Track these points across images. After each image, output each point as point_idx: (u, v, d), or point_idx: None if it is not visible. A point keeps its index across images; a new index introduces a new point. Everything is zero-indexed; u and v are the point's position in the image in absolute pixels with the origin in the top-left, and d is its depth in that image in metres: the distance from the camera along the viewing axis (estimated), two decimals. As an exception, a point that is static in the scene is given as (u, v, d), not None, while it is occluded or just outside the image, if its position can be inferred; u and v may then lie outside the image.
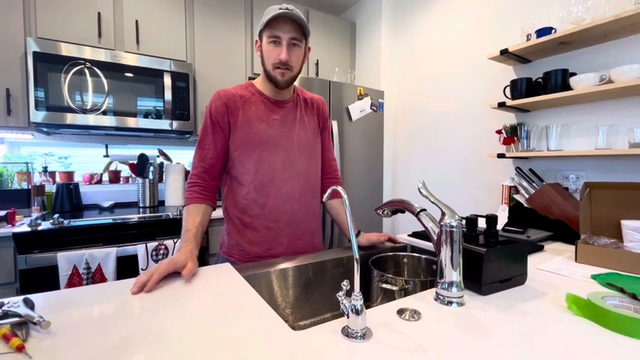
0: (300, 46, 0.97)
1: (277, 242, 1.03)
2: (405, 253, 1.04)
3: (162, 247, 1.67)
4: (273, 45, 0.94)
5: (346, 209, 0.58)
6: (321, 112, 1.15)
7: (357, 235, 1.10)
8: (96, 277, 1.51)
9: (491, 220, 0.80)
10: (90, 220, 1.68)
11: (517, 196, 1.59)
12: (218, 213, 1.03)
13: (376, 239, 1.10)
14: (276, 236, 1.02)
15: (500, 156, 1.69)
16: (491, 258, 0.69)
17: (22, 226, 1.53)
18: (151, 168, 2.18)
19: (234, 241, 1.03)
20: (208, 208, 0.99)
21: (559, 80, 1.46)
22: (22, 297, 0.60)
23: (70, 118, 1.76)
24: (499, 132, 1.77)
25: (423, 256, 1.01)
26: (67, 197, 1.95)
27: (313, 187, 1.10)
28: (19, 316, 0.52)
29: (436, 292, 0.67)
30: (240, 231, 1.02)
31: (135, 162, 2.16)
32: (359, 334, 0.51)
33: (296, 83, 1.96)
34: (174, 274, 0.76)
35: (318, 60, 2.67)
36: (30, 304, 0.59)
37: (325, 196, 0.68)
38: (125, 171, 2.30)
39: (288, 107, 1.07)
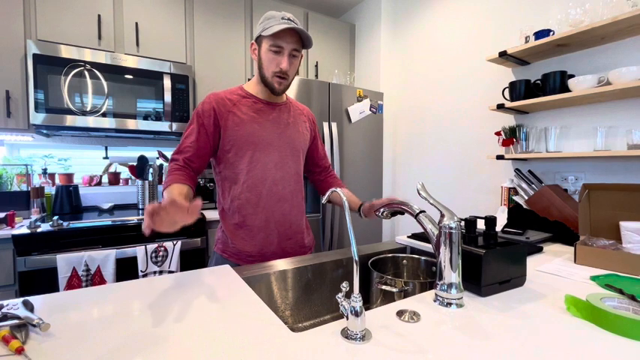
0: (297, 57, 1.01)
1: (268, 242, 1.05)
2: (404, 255, 1.04)
3: (162, 249, 1.67)
4: (273, 54, 0.96)
5: (346, 212, 0.58)
6: (311, 121, 1.19)
7: (361, 206, 1.03)
8: (95, 279, 1.51)
9: (491, 221, 0.80)
10: (89, 222, 1.68)
11: (516, 198, 1.60)
12: (216, 215, 1.04)
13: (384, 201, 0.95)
14: (267, 236, 1.04)
15: (500, 157, 1.70)
16: (490, 259, 0.69)
17: (22, 228, 1.53)
18: (151, 170, 2.17)
19: (228, 239, 1.05)
20: (190, 190, 0.95)
21: (557, 82, 1.46)
22: (22, 299, 0.60)
23: (70, 120, 1.76)
24: (498, 134, 1.78)
25: (423, 258, 1.01)
26: (67, 199, 1.95)
27: (302, 188, 1.14)
28: (18, 318, 0.52)
29: (435, 294, 0.67)
30: (233, 230, 1.04)
31: (134, 164, 2.16)
32: (358, 336, 0.51)
33: (295, 85, 1.99)
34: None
35: (317, 62, 2.67)
36: (29, 307, 0.59)
37: (325, 198, 0.68)
38: (125, 173, 2.30)
39: (281, 109, 1.09)
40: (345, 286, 0.54)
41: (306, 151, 1.17)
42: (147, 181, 2.14)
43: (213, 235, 1.94)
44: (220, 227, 1.09)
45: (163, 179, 2.24)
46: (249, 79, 2.36)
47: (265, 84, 1.02)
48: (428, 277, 0.99)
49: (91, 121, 1.80)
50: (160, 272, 1.66)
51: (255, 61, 1.04)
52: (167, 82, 1.99)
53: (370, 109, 2.31)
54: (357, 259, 0.53)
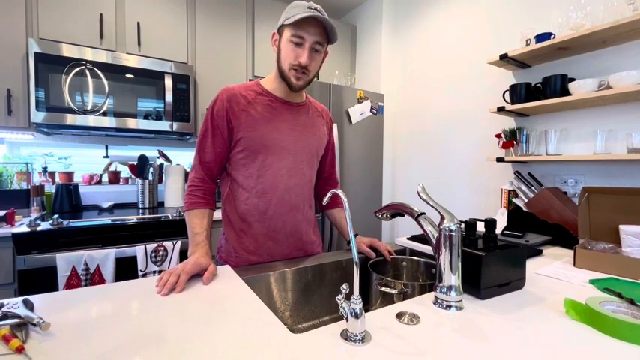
0: (320, 52, 0.93)
1: (276, 252, 1.00)
2: (404, 257, 1.04)
3: (162, 248, 1.67)
4: (294, 45, 0.89)
5: (346, 213, 0.58)
6: (328, 123, 1.13)
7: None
8: (95, 278, 1.51)
9: (490, 224, 0.80)
10: (89, 221, 1.68)
11: (516, 200, 1.60)
12: (217, 215, 1.01)
13: (366, 249, 1.03)
14: (275, 246, 0.99)
15: (500, 160, 1.70)
16: (489, 262, 0.69)
17: (22, 226, 1.53)
18: (151, 169, 2.18)
19: (232, 248, 0.99)
20: (211, 213, 0.97)
21: (558, 85, 1.47)
22: (22, 298, 0.60)
23: (71, 119, 1.76)
24: (498, 136, 1.78)
25: (422, 260, 1.01)
26: (67, 198, 1.95)
27: (313, 195, 1.10)
28: (18, 317, 0.53)
29: (435, 296, 0.67)
30: (237, 237, 0.99)
31: (135, 163, 2.16)
32: (358, 338, 0.51)
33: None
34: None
35: (318, 63, 2.67)
36: (30, 305, 0.59)
37: (325, 199, 0.68)
38: (125, 172, 2.30)
39: (300, 110, 1.02)
40: (345, 287, 0.54)
41: (321, 156, 1.11)
42: (147, 181, 2.14)
43: (214, 235, 1.94)
44: (223, 234, 1.03)
45: (163, 179, 2.26)
46: (249, 79, 2.37)
47: (283, 78, 0.95)
48: (427, 279, 0.99)
49: (92, 120, 1.80)
50: (160, 272, 1.65)
51: (274, 54, 0.96)
52: (168, 82, 1.99)
53: (371, 111, 2.31)
54: (357, 260, 0.53)
